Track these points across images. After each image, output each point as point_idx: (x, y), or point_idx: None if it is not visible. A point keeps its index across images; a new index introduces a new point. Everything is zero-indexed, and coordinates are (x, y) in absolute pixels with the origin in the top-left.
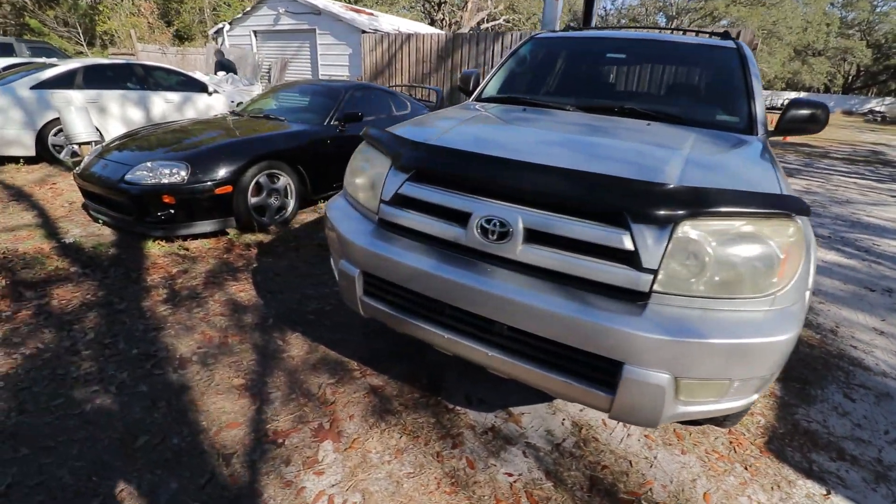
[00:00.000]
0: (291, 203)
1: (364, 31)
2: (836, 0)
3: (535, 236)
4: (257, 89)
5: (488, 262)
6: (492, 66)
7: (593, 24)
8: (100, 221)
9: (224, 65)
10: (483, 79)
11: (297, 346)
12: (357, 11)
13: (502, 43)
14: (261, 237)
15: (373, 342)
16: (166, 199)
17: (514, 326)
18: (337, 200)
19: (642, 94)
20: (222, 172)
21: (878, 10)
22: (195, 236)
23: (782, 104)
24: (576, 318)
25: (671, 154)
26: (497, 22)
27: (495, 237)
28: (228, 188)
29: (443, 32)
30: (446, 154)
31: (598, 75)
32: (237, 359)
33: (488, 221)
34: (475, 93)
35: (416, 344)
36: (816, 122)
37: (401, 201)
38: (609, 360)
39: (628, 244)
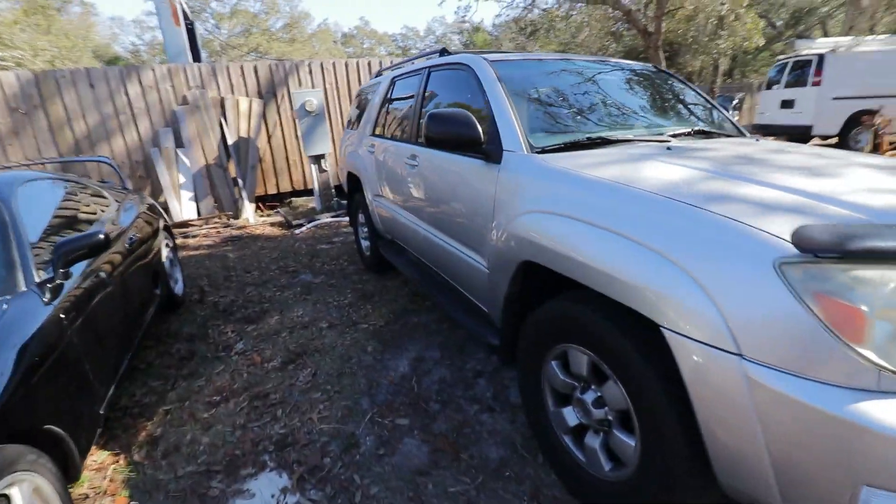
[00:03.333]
0: None
1: None
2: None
3: None
4: None
5: None
6: (137, 113)
7: (203, 56)
8: None
9: None
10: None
11: None
12: None
13: (140, 81)
14: None
15: None
16: None
17: None
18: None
19: (667, 112)
20: None
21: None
22: None
23: None
24: None
25: None
26: None
27: None
28: None
29: (16, 71)
30: None
31: (623, 99)
32: None
33: None
34: (518, 143)
35: None
36: None
37: None
38: None
39: None
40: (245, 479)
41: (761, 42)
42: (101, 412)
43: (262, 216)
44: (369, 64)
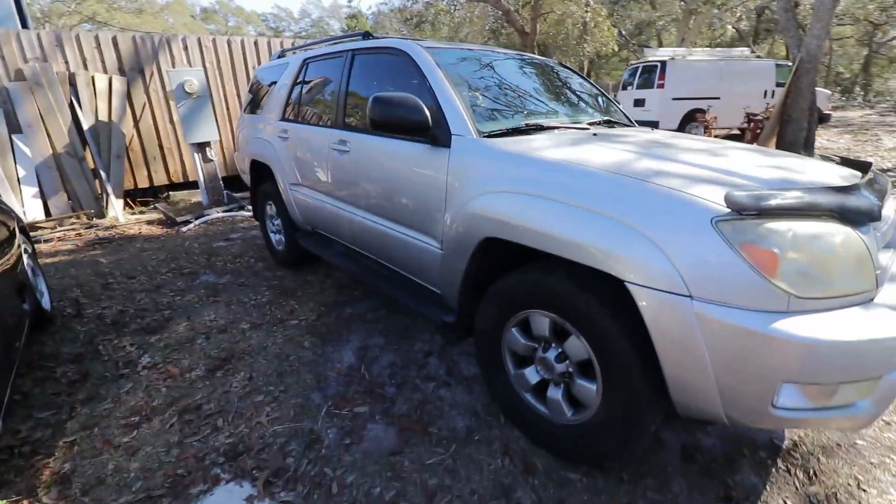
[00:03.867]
0: None
1: None
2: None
3: None
4: None
5: None
6: None
7: (29, 24)
8: None
9: None
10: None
11: None
12: None
13: None
14: None
15: None
16: None
17: None
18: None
19: (578, 104)
20: None
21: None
22: None
23: None
24: None
25: None
26: None
27: None
28: None
29: None
30: None
31: (544, 90)
32: None
33: None
34: (466, 128)
35: None
36: None
37: None
38: None
39: None
40: (198, 497)
41: (615, 48)
42: None
43: (134, 214)
44: (255, 43)
